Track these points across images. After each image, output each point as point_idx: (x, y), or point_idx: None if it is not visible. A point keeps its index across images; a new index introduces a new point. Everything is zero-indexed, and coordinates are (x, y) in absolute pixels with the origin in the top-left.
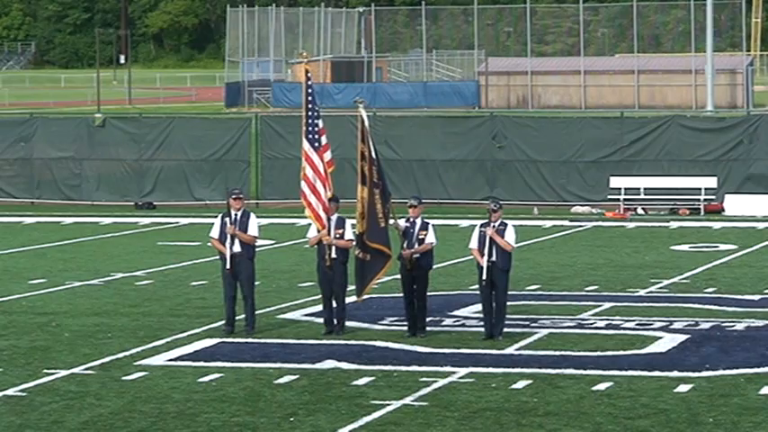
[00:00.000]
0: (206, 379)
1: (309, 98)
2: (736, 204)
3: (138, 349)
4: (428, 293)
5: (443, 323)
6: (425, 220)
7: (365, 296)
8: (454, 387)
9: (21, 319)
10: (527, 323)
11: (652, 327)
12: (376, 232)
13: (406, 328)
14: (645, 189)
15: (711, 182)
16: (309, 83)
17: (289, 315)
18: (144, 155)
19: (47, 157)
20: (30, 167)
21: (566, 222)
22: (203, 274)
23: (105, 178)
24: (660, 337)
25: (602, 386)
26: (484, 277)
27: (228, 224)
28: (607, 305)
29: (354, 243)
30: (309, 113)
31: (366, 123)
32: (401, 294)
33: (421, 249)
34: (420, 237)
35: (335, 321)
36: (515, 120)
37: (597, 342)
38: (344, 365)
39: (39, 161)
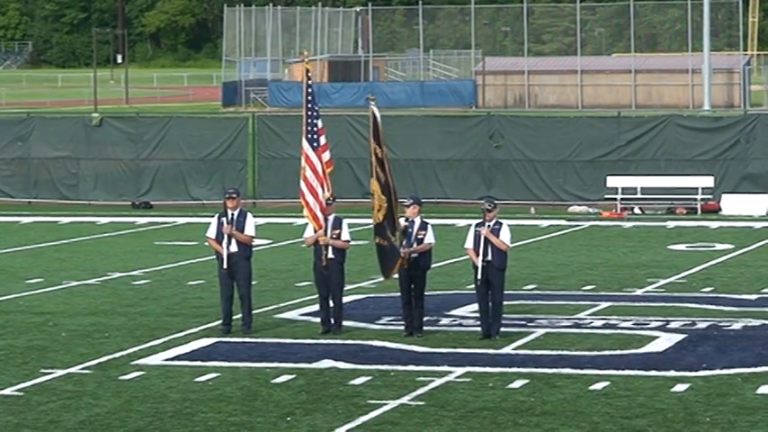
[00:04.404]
0: (203, 378)
1: (309, 98)
2: (732, 204)
3: (135, 349)
4: (425, 293)
5: (440, 323)
6: (425, 220)
7: (395, 276)
8: (451, 386)
9: (18, 319)
10: (524, 323)
11: (649, 326)
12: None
13: (402, 327)
14: (642, 188)
15: (708, 181)
16: (310, 82)
17: (285, 315)
18: (141, 154)
19: (44, 156)
20: (27, 167)
21: (563, 222)
22: (200, 273)
23: (102, 178)
24: (657, 337)
25: (598, 386)
26: (479, 277)
27: (225, 224)
28: (604, 305)
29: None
30: (309, 113)
31: (379, 120)
32: (398, 294)
33: (419, 249)
34: (419, 236)
35: (332, 321)
36: (512, 119)
37: (594, 341)
38: (341, 365)
39: (36, 161)
